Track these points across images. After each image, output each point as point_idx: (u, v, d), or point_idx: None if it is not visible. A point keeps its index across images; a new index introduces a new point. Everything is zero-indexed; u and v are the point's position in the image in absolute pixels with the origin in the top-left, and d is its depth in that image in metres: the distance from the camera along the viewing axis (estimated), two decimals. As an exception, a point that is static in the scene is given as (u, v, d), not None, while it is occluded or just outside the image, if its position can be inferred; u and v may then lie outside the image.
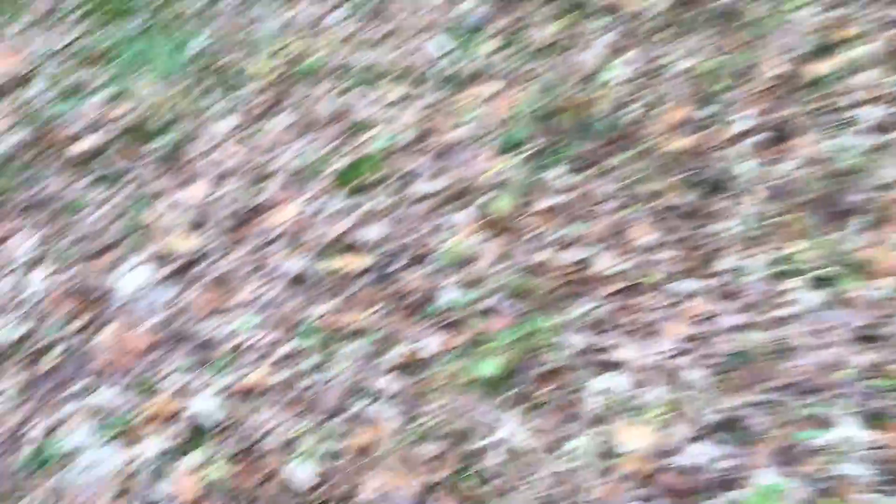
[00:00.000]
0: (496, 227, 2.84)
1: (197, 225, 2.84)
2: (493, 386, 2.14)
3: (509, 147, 3.12)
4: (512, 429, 1.99)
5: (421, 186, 3.01)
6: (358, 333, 2.47)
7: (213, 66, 3.45)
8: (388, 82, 3.44)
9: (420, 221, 2.90)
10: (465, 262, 2.72)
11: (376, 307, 2.57)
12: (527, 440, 1.96)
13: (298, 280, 2.69)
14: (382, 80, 3.46)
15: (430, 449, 2.00)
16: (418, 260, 2.76)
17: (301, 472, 1.98)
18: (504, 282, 2.57)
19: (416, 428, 2.06)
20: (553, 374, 2.16)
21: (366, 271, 2.73)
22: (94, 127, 3.12)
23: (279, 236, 2.84)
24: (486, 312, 2.48)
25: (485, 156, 3.12)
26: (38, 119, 3.07)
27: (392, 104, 3.38)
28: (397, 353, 2.36)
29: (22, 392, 2.28)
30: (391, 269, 2.72)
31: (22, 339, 2.42)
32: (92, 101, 3.23)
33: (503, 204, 2.89)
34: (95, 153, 3.02)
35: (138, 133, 3.12)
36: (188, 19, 3.72)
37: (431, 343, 2.39)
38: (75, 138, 3.07)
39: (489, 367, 2.15)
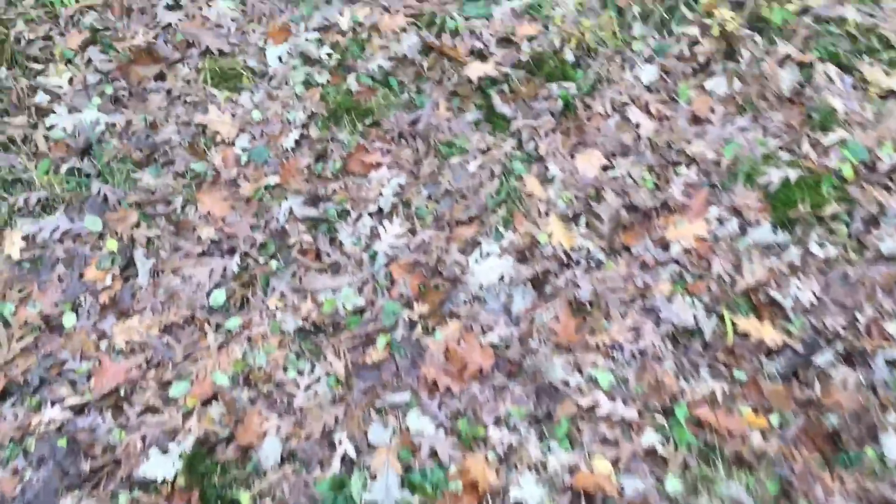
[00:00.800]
0: None
1: (577, 213, 2.27)
2: None
3: None
4: None
5: (890, 243, 2.11)
6: (744, 462, 1.80)
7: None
8: (882, 60, 2.44)
9: (874, 296, 2.04)
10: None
11: (782, 418, 1.87)
12: None
13: (684, 335, 2.04)
14: (875, 54, 2.46)
15: None
16: (858, 359, 1.96)
17: None
18: None
19: None
20: None
21: (778, 351, 1.99)
22: (496, 44, 2.58)
23: (672, 260, 2.17)
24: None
25: None
26: (435, 21, 2.60)
27: (881, 97, 2.40)
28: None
29: (342, 382, 2.00)
30: (815, 358, 1.96)
31: (358, 311, 2.12)
32: (501, 8, 2.67)
33: None
34: (490, 83, 2.50)
35: (543, 66, 2.53)
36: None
37: (852, 529, 1.65)
38: (472, 53, 2.57)
39: None
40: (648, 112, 2.47)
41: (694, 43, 2.58)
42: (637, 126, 2.43)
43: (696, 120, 2.45)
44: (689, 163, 2.36)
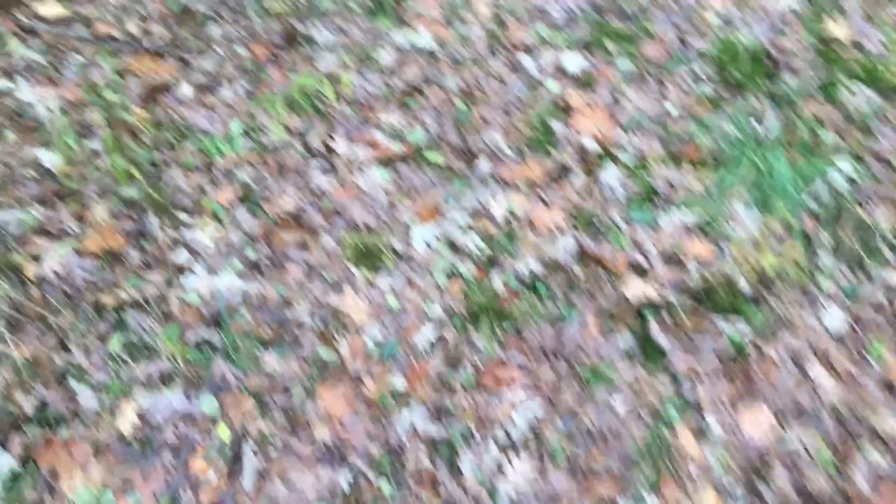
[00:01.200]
0: None
1: (736, 487, 1.95)
2: None
3: None
4: None
5: None
6: None
7: (849, 218, 2.38)
8: None
9: None
10: None
11: None
12: None
13: None
14: None
15: None
16: None
17: None
18: None
19: None
20: None
21: None
22: (661, 260, 2.34)
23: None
24: None
25: None
26: (595, 223, 2.39)
27: None
28: None
29: None
30: None
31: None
32: (670, 218, 2.44)
33: None
34: (649, 306, 2.26)
35: (712, 294, 2.27)
36: (837, 135, 2.64)
37: None
38: (632, 267, 2.34)
39: None
40: (832, 369, 2.14)
41: (893, 291, 2.24)
42: (816, 384, 2.11)
43: (889, 388, 2.11)
44: (875, 440, 2.01)
